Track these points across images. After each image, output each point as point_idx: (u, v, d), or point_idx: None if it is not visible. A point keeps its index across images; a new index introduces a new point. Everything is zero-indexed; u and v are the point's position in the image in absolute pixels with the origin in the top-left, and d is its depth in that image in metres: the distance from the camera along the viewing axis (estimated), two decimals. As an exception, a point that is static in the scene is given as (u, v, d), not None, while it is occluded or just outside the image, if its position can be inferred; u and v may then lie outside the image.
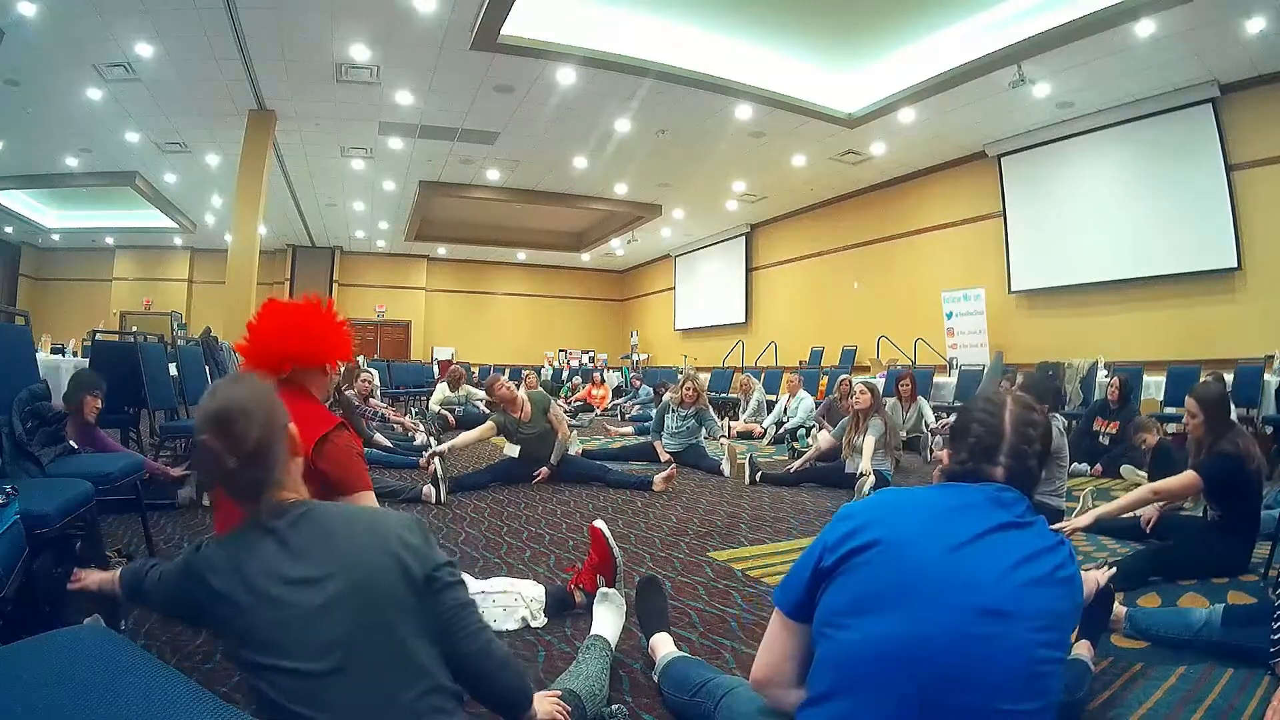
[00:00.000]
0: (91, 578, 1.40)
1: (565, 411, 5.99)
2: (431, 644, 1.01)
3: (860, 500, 1.15)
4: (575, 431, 6.64)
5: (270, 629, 0.94)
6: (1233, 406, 4.98)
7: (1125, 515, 3.41)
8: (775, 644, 1.13)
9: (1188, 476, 2.50)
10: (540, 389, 6.48)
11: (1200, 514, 2.81)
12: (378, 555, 1.00)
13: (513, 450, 4.38)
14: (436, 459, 3.92)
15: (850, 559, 1.00)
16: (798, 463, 4.78)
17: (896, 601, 0.95)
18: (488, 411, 5.41)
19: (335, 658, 0.92)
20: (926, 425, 6.12)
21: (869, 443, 4.20)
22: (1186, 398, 2.75)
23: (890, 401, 6.28)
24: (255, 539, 1.00)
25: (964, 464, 1.11)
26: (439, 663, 1.01)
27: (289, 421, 1.08)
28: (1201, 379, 5.32)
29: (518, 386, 4.69)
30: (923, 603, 0.94)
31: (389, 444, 5.38)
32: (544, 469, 4.34)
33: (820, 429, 5.95)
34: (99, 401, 3.09)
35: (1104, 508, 2.58)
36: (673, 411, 5.47)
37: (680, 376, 5.96)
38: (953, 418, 1.30)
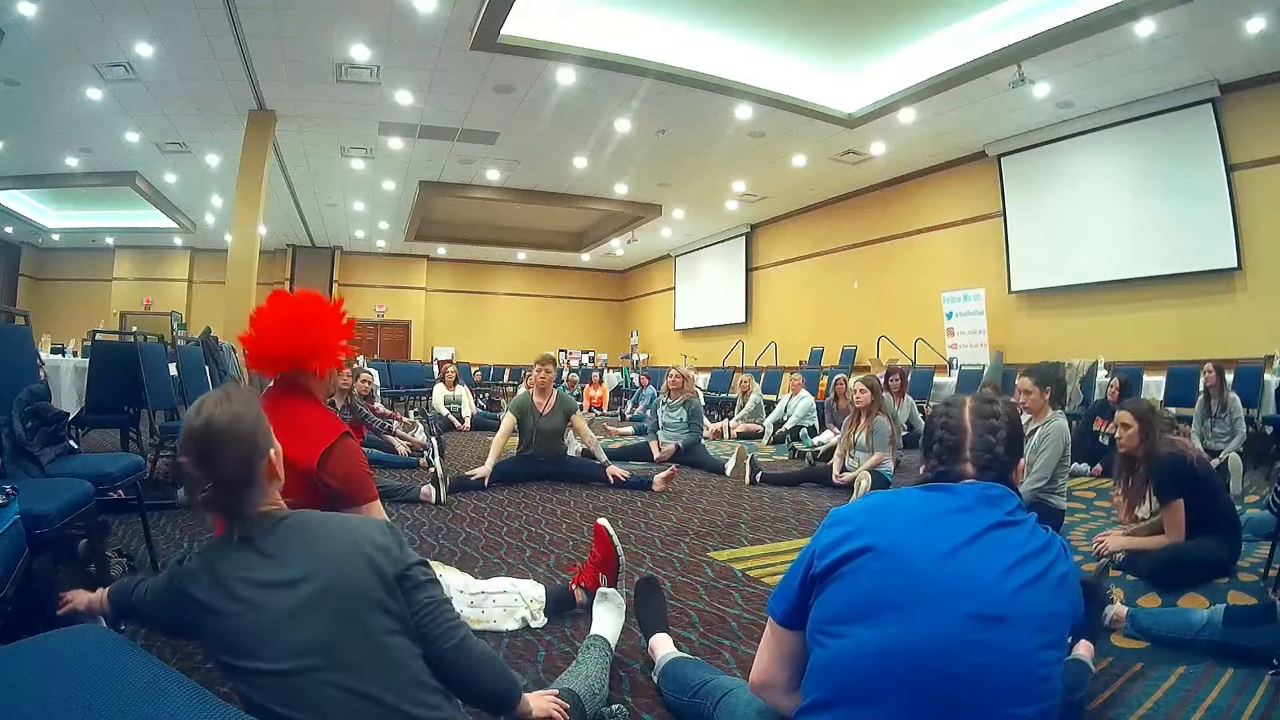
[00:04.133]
0: (80, 598, 1.40)
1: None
2: (413, 642, 1.03)
3: (850, 504, 1.15)
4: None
5: (250, 633, 0.96)
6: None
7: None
8: (769, 649, 1.13)
9: (1171, 506, 2.45)
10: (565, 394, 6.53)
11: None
12: (350, 556, 1.01)
13: (523, 439, 4.47)
14: (438, 457, 3.91)
15: (842, 565, 0.99)
16: (838, 461, 4.55)
17: (893, 610, 0.93)
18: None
19: (314, 657, 0.94)
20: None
21: (876, 452, 4.23)
22: (1118, 411, 2.69)
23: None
24: (233, 549, 1.02)
25: (934, 468, 1.13)
26: (421, 661, 1.03)
27: (271, 446, 1.09)
28: (1202, 379, 5.32)
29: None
30: (920, 611, 0.92)
31: (403, 449, 5.23)
32: (613, 469, 4.34)
33: (824, 429, 5.98)
34: None
35: (1133, 543, 2.55)
36: (664, 404, 5.73)
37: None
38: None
